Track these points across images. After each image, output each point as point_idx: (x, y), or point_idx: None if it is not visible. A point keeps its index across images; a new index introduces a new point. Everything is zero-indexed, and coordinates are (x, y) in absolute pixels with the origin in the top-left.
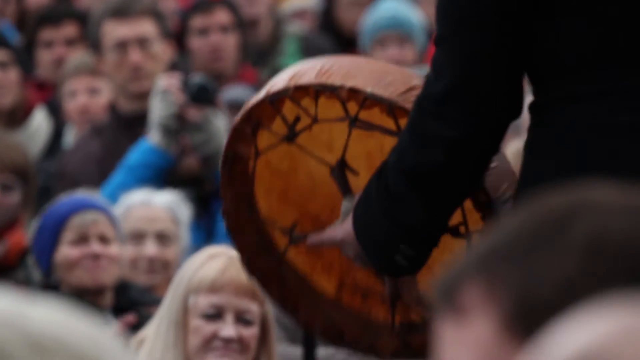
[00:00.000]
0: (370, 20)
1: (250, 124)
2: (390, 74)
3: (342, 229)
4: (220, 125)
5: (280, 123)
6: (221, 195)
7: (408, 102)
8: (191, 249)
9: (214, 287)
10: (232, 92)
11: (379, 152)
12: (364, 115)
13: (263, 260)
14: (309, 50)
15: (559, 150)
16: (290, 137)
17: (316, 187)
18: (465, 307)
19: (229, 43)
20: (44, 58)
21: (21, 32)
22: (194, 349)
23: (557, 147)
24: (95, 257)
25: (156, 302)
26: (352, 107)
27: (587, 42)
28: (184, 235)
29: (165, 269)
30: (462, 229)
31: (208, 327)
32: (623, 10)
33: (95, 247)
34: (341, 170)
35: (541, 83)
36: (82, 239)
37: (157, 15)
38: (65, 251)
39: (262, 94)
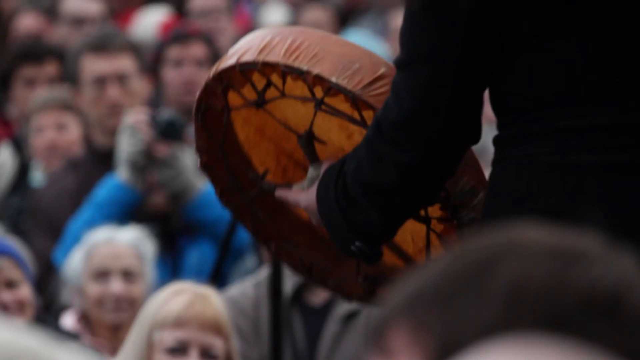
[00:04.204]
0: None
1: (221, 84)
2: (358, 61)
3: (306, 198)
4: (188, 161)
5: (250, 89)
6: (195, 136)
7: (371, 96)
8: (157, 285)
9: (178, 322)
10: None
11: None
12: (329, 100)
13: (235, 197)
14: None
15: (518, 187)
16: (260, 103)
17: (290, 131)
18: (392, 350)
19: (202, 78)
20: (22, 95)
21: None
22: None
23: (516, 183)
24: (4, 307)
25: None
26: (318, 91)
27: (549, 79)
28: (149, 271)
29: (132, 306)
30: (422, 212)
31: None
32: (584, 49)
33: (3, 295)
34: (309, 139)
35: (505, 117)
36: None
37: (135, 50)
38: None
39: (232, 59)
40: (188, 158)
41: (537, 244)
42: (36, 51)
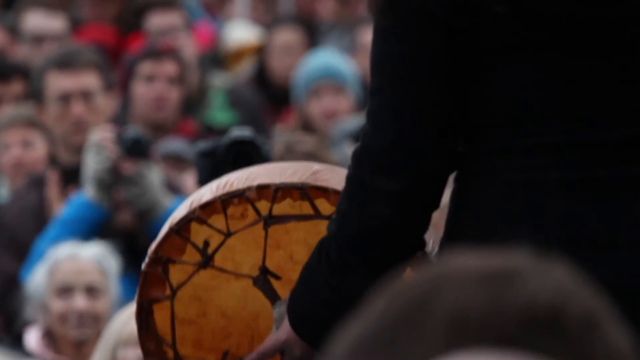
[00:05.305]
0: (304, 71)
1: (160, 263)
2: (290, 167)
3: (283, 331)
4: (155, 179)
5: (191, 251)
6: (143, 351)
7: (319, 182)
8: (124, 302)
9: None
10: (169, 144)
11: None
12: (277, 209)
13: None
14: (236, 102)
15: (484, 204)
16: (206, 262)
17: (230, 323)
18: None
19: (173, 94)
20: None
21: None
22: None
23: (481, 200)
24: None
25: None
26: (264, 206)
27: (513, 97)
28: (113, 287)
29: (95, 322)
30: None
31: None
32: (549, 67)
33: None
34: (264, 277)
35: (467, 134)
36: None
37: (100, 68)
38: None
39: (165, 229)
40: (154, 176)
41: (468, 272)
42: (2, 69)
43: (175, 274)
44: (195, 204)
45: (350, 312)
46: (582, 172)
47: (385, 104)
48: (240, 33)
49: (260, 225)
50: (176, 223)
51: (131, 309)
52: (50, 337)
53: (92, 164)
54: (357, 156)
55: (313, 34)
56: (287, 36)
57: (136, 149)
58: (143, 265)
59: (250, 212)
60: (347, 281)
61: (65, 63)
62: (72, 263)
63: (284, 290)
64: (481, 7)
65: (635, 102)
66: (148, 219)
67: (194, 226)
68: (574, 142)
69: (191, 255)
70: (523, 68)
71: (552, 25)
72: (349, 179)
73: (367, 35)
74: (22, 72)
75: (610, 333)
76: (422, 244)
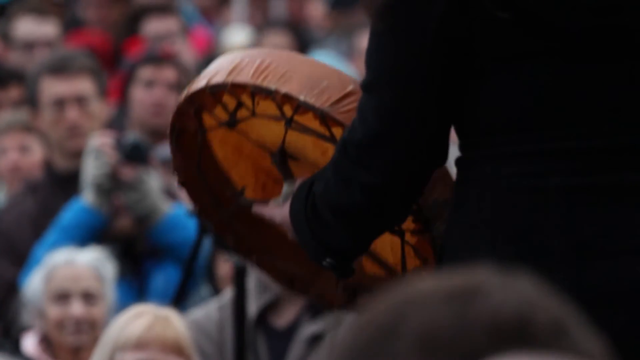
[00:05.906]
0: None
1: (193, 106)
2: (326, 78)
3: (281, 214)
4: (154, 184)
5: (221, 110)
6: (172, 155)
7: (339, 113)
8: (122, 308)
9: (140, 344)
10: (167, 150)
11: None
12: (299, 118)
13: (215, 213)
14: None
15: (483, 210)
16: (232, 123)
17: (269, 147)
18: None
19: (172, 100)
20: None
21: None
22: None
23: (480, 207)
24: None
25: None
26: (287, 109)
27: (514, 103)
28: (110, 293)
29: (92, 328)
30: (394, 226)
31: None
32: (550, 73)
33: None
34: (282, 157)
35: (468, 139)
36: None
37: (94, 72)
38: None
39: (202, 82)
40: (153, 181)
41: (433, 292)
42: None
43: (206, 120)
44: (231, 79)
45: (322, 250)
46: (582, 179)
47: (374, 101)
48: (237, 38)
49: (282, 123)
50: (211, 86)
51: (128, 314)
52: (47, 342)
53: (91, 169)
54: (342, 145)
55: (304, 38)
56: (277, 39)
57: (135, 155)
58: (178, 100)
59: (275, 109)
60: (322, 230)
61: (59, 68)
62: (68, 269)
63: (302, 168)
64: (481, 12)
65: (636, 108)
66: (147, 224)
67: (226, 95)
68: (574, 148)
69: (221, 114)
70: (523, 74)
71: (553, 31)
72: (333, 163)
73: (364, 41)
74: (18, 77)
75: (580, 340)
76: (400, 221)
